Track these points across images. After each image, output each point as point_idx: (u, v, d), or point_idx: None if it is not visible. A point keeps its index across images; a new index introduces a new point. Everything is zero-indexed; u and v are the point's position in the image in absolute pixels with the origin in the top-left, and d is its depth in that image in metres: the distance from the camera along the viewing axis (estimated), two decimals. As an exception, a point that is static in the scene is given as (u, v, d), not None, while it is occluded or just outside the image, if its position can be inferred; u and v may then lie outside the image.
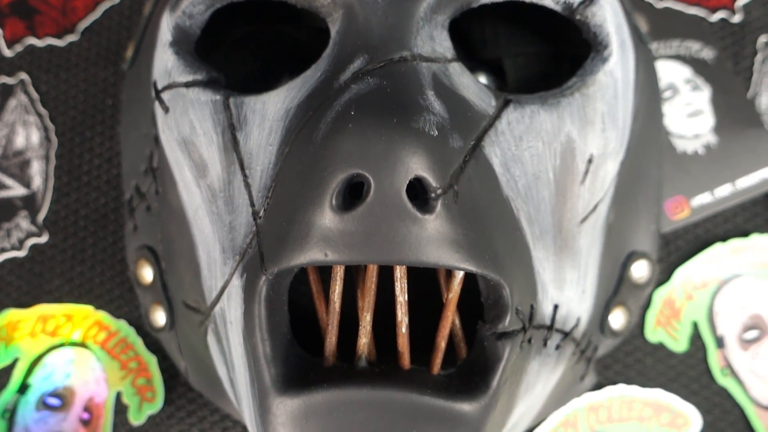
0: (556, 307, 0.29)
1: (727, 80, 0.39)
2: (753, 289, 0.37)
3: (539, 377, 0.30)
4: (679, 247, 0.38)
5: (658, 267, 0.35)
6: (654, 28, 0.40)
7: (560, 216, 0.29)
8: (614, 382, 0.37)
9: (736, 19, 0.40)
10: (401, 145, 0.24)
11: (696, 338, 0.37)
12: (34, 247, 0.38)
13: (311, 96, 0.27)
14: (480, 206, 0.26)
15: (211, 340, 0.30)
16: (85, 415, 0.36)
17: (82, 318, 0.37)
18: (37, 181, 0.39)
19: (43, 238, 0.38)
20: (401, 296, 0.26)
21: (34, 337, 0.37)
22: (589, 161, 0.29)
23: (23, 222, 0.39)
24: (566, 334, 0.30)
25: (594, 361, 0.34)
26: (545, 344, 0.29)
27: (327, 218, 0.24)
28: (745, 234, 0.38)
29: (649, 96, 0.35)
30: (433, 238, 0.24)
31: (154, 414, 0.36)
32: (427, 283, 0.30)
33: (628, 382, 0.37)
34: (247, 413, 0.28)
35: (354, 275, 0.29)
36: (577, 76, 0.30)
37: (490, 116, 0.27)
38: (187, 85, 0.29)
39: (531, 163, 0.28)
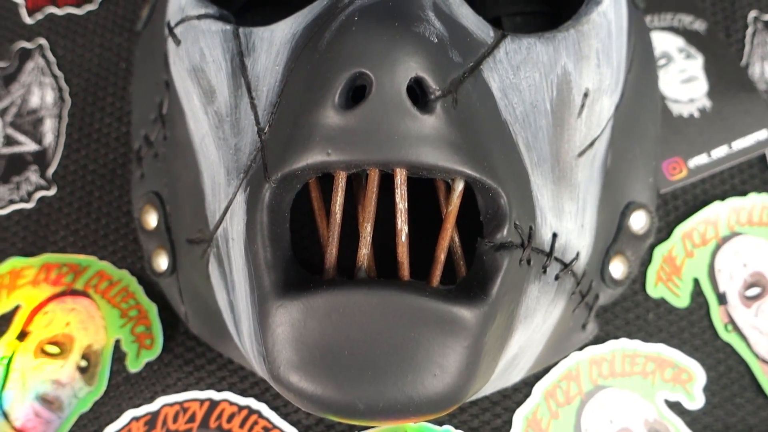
0: (555, 235, 0.29)
1: (719, 49, 0.39)
2: (753, 247, 0.36)
3: (539, 305, 0.29)
4: (678, 207, 0.37)
5: (656, 219, 0.35)
6: (648, 1, 0.40)
7: (558, 147, 0.29)
8: (616, 337, 0.35)
9: (726, -6, 0.41)
10: (402, 45, 0.24)
11: (697, 295, 0.36)
12: (41, 199, 0.38)
13: (317, 18, 0.27)
14: (478, 119, 0.26)
15: (212, 267, 0.30)
16: (83, 363, 0.35)
17: (84, 268, 0.37)
18: (48, 138, 0.39)
19: (51, 191, 0.38)
20: (401, 203, 0.25)
21: (37, 285, 0.36)
22: (585, 95, 0.29)
23: (33, 176, 0.38)
24: (565, 266, 0.29)
25: (595, 309, 0.33)
26: (545, 271, 0.28)
27: (330, 117, 0.24)
28: (743, 194, 0.37)
29: (642, 55, 0.35)
30: (432, 138, 0.24)
31: (152, 361, 0.35)
32: (428, 206, 0.29)
33: (631, 336, 0.35)
34: (246, 327, 0.27)
35: (355, 192, 0.28)
36: (571, 20, 0.30)
37: (489, 45, 0.27)
38: (199, 17, 0.29)
39: (528, 92, 0.28)
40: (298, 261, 0.27)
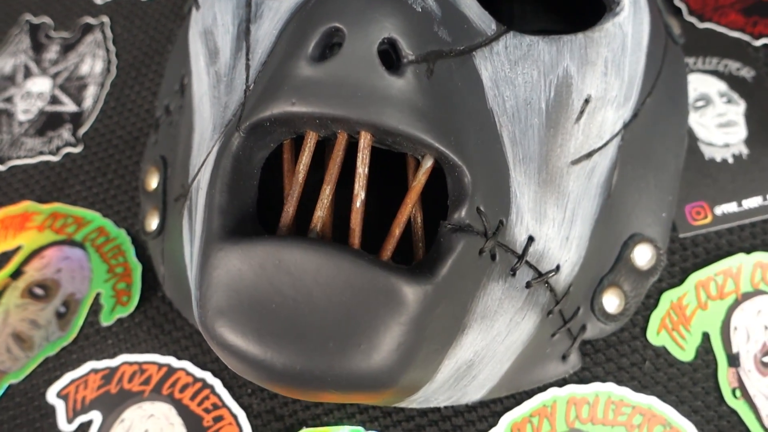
0: (531, 238, 0.26)
1: (765, 98, 0.36)
2: (778, 309, 0.32)
3: (501, 309, 0.26)
4: (698, 254, 0.33)
5: (665, 258, 0.31)
6: (693, 45, 0.38)
7: (549, 149, 0.27)
8: (603, 380, 0.31)
9: (782, 46, 0.38)
10: (381, 5, 0.23)
11: (705, 351, 0.31)
12: (67, 155, 0.39)
13: None
14: (456, 97, 0.24)
15: (185, 221, 0.29)
16: (62, 309, 0.35)
17: (88, 222, 0.37)
18: (88, 102, 0.41)
19: (78, 149, 0.39)
20: (361, 168, 0.24)
21: (42, 231, 0.37)
22: (587, 101, 0.27)
23: (65, 133, 0.40)
24: (540, 274, 0.26)
25: (579, 339, 0.30)
26: (513, 274, 0.26)
27: (301, 68, 0.23)
28: (773, 251, 0.33)
29: (670, 86, 0.32)
30: (397, 101, 0.23)
31: (124, 318, 0.34)
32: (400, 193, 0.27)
33: (620, 382, 0.31)
34: (193, 275, 0.26)
35: (326, 158, 0.27)
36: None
37: (488, 36, 0.26)
38: None
39: (524, 88, 0.26)
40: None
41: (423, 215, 0.26)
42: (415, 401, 0.27)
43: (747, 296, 0.32)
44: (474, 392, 0.28)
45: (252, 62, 0.27)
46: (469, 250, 0.24)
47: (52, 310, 0.35)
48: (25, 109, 0.40)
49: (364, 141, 0.24)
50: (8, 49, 0.43)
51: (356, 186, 0.24)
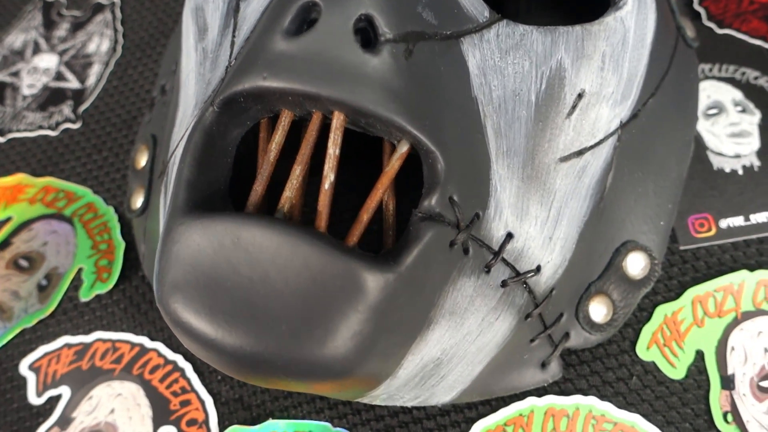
0: (509, 235, 0.25)
1: (783, 109, 0.34)
2: (781, 332, 0.29)
3: (473, 307, 0.24)
4: (698, 268, 0.31)
5: (659, 268, 0.29)
6: (711, 50, 0.36)
7: (536, 143, 0.25)
8: (585, 393, 0.29)
9: (806, 56, 0.35)
10: None
11: (698, 371, 0.29)
12: (66, 130, 0.39)
13: None
14: (436, 81, 0.23)
15: (161, 197, 0.29)
16: (44, 282, 0.35)
17: (78, 197, 0.37)
18: (91, 80, 0.41)
19: (76, 125, 0.39)
20: (332, 148, 0.23)
21: (33, 203, 0.37)
22: (580, 96, 0.26)
23: (66, 109, 0.40)
24: (517, 274, 0.25)
25: (561, 347, 0.28)
26: (488, 270, 0.24)
27: (275, 42, 0.23)
28: (780, 269, 0.31)
29: (678, 88, 0.31)
30: (370, 79, 0.22)
31: (102, 294, 0.34)
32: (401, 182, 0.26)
33: (603, 397, 0.29)
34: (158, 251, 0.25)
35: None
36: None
37: (479, 23, 0.25)
38: None
39: (513, 78, 0.25)
40: None
41: (397, 203, 0.25)
42: (378, 398, 0.25)
43: (747, 315, 0.30)
44: (443, 394, 0.27)
45: (237, 39, 0.27)
46: (438, 241, 0.22)
47: (34, 283, 0.34)
48: (30, 84, 0.40)
49: (337, 121, 0.23)
50: (21, 24, 0.43)
51: (326, 167, 0.23)
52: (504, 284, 0.25)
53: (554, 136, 0.26)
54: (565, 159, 0.26)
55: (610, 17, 0.26)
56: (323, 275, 0.21)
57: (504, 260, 0.24)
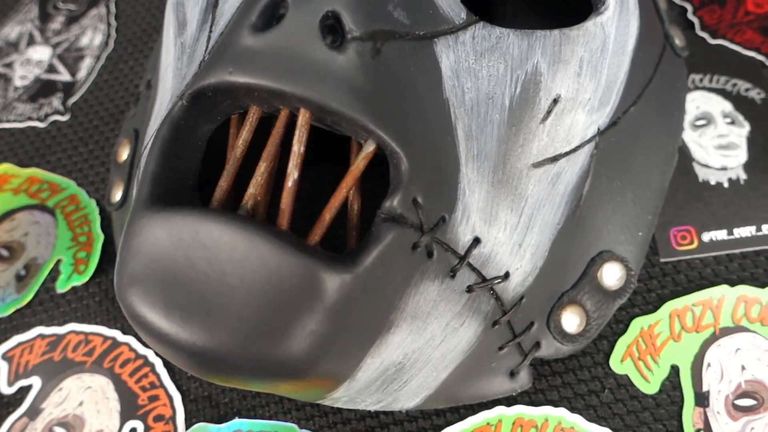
0: (477, 240, 0.24)
1: (773, 122, 0.33)
2: (761, 350, 0.29)
3: (436, 311, 0.24)
4: (678, 281, 0.31)
5: (635, 279, 0.28)
6: (702, 61, 0.35)
7: (508, 148, 0.25)
8: (555, 404, 0.29)
9: (800, 69, 0.35)
10: None
11: (672, 386, 0.29)
12: (54, 122, 0.39)
13: None
14: (404, 81, 0.23)
15: (135, 190, 0.28)
16: (23, 272, 0.35)
17: (62, 189, 0.37)
18: (82, 73, 0.41)
19: (65, 117, 0.39)
20: (296, 146, 0.23)
21: (17, 193, 0.37)
22: (555, 101, 0.25)
23: (56, 101, 0.40)
24: (484, 279, 0.25)
25: (531, 356, 0.28)
26: (453, 275, 0.24)
27: (243, 37, 0.22)
28: (762, 286, 0.30)
29: (662, 97, 0.30)
30: (334, 77, 0.21)
31: (78, 287, 0.34)
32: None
33: (573, 409, 0.29)
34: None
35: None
36: None
37: (455, 24, 0.25)
38: None
39: (488, 81, 0.25)
40: None
41: (368, 205, 0.24)
42: (339, 400, 0.25)
43: (726, 331, 0.29)
44: (407, 399, 0.26)
45: (213, 34, 0.26)
46: (399, 243, 0.22)
47: (13, 272, 0.34)
48: (22, 75, 0.41)
49: (302, 119, 0.23)
50: (17, 17, 0.43)
51: (290, 164, 0.23)
52: (470, 290, 0.24)
53: (527, 141, 0.25)
54: (538, 165, 0.25)
55: (590, 22, 0.26)
56: (279, 273, 0.21)
57: (470, 265, 0.24)
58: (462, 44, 0.24)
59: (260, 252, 0.21)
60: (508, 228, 0.25)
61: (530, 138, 0.25)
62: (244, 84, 0.22)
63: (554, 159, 0.26)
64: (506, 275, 0.25)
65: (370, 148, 0.23)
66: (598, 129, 0.27)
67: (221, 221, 0.21)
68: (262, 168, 0.23)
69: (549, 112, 0.25)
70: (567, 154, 0.26)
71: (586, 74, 0.26)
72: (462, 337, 0.25)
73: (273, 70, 0.22)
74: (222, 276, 0.21)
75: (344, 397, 0.25)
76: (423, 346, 0.24)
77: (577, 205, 0.27)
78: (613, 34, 0.26)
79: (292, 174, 0.23)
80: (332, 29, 0.22)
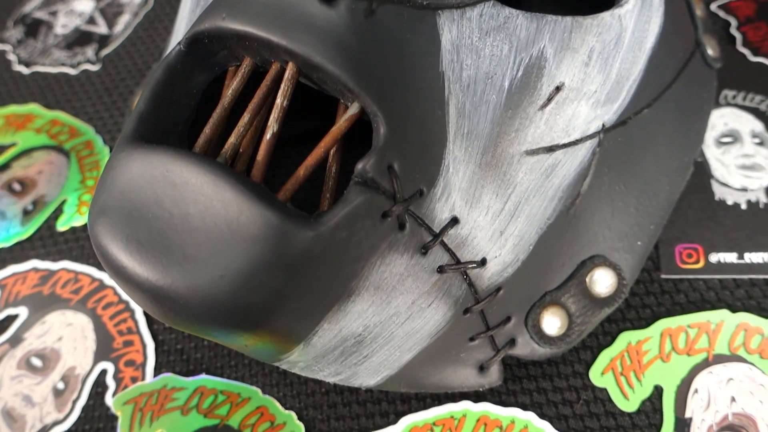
0: (454, 220, 0.23)
1: (806, 147, 0.31)
2: (755, 384, 0.27)
3: (402, 286, 0.23)
4: (677, 300, 0.29)
5: (626, 290, 0.27)
6: (738, 77, 0.33)
7: (501, 131, 0.24)
8: (525, 407, 0.27)
9: None
10: None
11: (652, 408, 0.27)
12: (85, 71, 0.40)
13: None
14: (396, 46, 0.22)
15: None
16: (30, 207, 0.36)
17: (81, 134, 0.38)
18: (119, 27, 0.42)
19: (95, 68, 0.40)
20: (280, 98, 0.22)
21: (39, 133, 0.38)
22: (557, 89, 0.24)
23: (90, 51, 0.41)
24: (458, 262, 0.24)
25: (503, 353, 0.26)
26: (424, 252, 0.23)
27: None
28: (766, 316, 0.28)
29: (683, 105, 0.29)
30: (321, 31, 0.21)
31: (77, 227, 0.34)
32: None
33: (543, 415, 0.27)
34: None
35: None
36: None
37: (462, 0, 0.24)
38: None
39: (489, 60, 0.24)
40: None
41: (342, 168, 0.24)
42: (296, 365, 0.24)
43: (720, 359, 0.27)
44: (367, 376, 0.25)
45: None
46: (368, 208, 0.21)
47: (21, 206, 0.35)
48: (63, 24, 0.42)
49: (289, 72, 0.22)
50: (70, -31, 0.45)
51: (271, 117, 0.22)
52: (441, 270, 0.23)
53: (523, 127, 0.24)
54: (532, 153, 0.24)
55: (607, 13, 0.25)
56: (239, 221, 0.20)
57: (444, 244, 0.23)
58: (468, 20, 0.23)
59: (224, 197, 0.21)
60: (490, 213, 0.24)
61: (526, 123, 0.24)
62: (234, 30, 0.22)
63: (550, 149, 0.25)
64: (483, 261, 0.24)
65: (354, 110, 0.22)
66: (603, 125, 0.25)
67: (193, 162, 0.21)
68: (245, 119, 0.23)
69: (550, 99, 0.24)
70: (565, 146, 0.25)
71: (594, 65, 0.24)
72: (429, 318, 0.24)
73: (262, 18, 0.21)
74: (185, 216, 0.21)
75: (300, 362, 0.24)
76: (385, 321, 0.24)
77: (572, 203, 0.26)
78: (630, 28, 0.25)
79: (272, 127, 0.22)
80: None
